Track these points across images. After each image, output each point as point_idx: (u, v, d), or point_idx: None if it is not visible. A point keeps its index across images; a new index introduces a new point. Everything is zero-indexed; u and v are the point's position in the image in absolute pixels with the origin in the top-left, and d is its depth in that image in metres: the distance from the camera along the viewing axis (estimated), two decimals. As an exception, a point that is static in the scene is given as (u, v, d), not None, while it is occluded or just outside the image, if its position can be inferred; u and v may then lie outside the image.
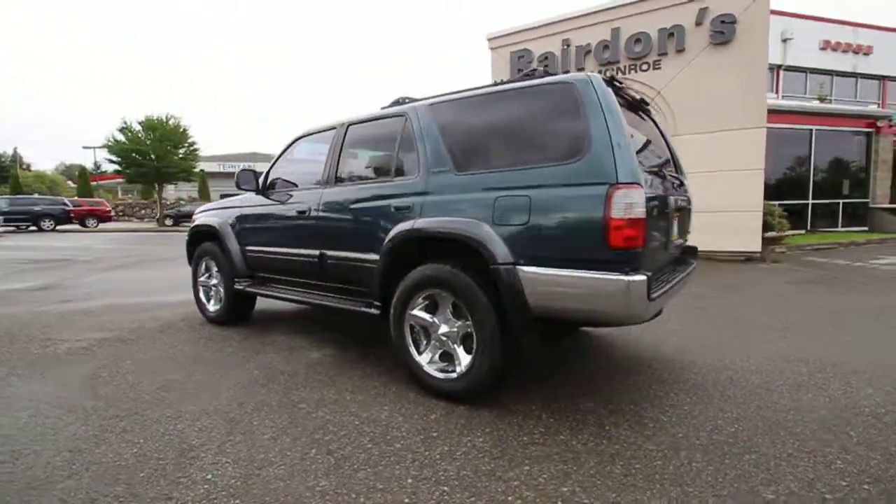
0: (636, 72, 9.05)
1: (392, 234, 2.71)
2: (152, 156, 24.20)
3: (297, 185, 3.67)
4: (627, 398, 2.60)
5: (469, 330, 2.47)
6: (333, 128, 3.42)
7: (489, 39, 10.65)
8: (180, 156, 25.68)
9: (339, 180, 3.23)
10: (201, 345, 3.69)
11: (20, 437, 2.23)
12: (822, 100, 15.65)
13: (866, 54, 16.41)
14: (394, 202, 2.77)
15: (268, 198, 3.77)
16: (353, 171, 3.27)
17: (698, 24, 8.30)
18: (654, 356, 3.31)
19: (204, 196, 35.31)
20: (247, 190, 3.78)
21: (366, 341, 3.72)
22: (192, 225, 4.48)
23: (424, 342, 2.73)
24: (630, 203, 1.99)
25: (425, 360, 2.68)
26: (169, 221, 26.20)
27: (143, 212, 35.30)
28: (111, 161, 25.01)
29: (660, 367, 3.10)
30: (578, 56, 9.56)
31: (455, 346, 2.57)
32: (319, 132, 3.65)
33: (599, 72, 9.73)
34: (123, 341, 3.80)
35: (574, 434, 2.20)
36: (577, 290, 2.10)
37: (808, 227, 12.63)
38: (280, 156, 3.79)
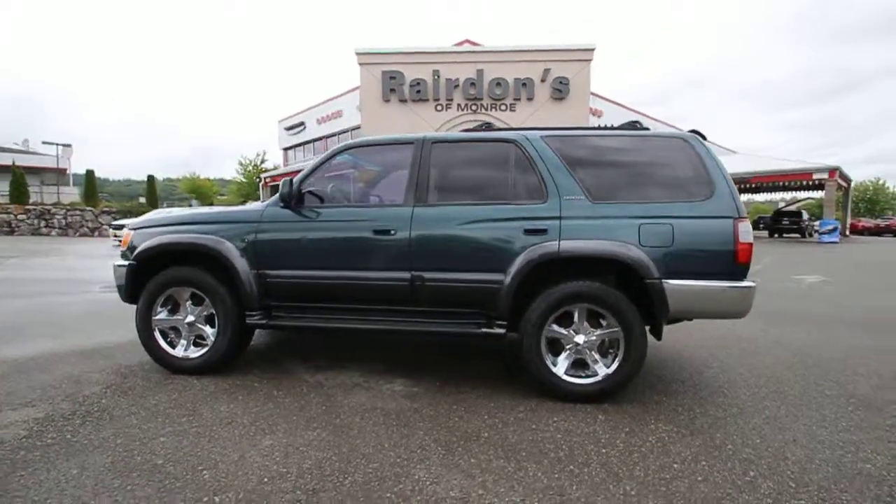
0: (496, 110, 10.59)
1: (529, 254, 2.85)
2: None
3: (349, 202, 3.28)
4: (690, 381, 3.42)
5: (612, 337, 2.87)
6: (408, 142, 3.23)
7: (358, 54, 10.63)
8: None
9: (429, 199, 3.09)
10: (229, 401, 2.87)
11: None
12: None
13: (599, 117, 22.92)
14: (525, 224, 2.91)
15: (300, 213, 3.21)
16: (449, 190, 3.15)
17: (543, 80, 10.38)
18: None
19: None
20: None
21: (410, 365, 3.56)
22: (143, 245, 3.29)
23: (550, 354, 2.96)
24: (747, 231, 2.80)
25: (561, 370, 2.92)
26: None
27: None
28: None
29: (697, 354, 4.06)
30: (448, 88, 10.54)
31: (593, 352, 2.91)
32: (380, 145, 3.36)
33: (465, 105, 10.95)
34: (85, 416, 2.62)
35: (705, 407, 2.86)
36: (713, 295, 2.79)
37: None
38: (318, 167, 3.28)
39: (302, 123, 29.39)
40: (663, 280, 2.77)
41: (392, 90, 10.87)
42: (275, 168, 32.58)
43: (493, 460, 2.21)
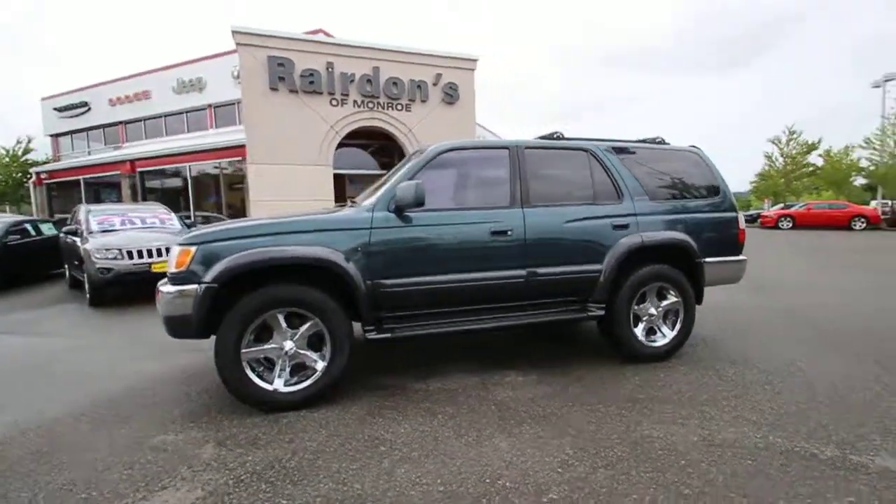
0: (393, 109, 10.67)
1: (621, 245, 3.45)
2: None
3: (458, 205, 3.33)
4: (710, 338, 4.51)
5: (673, 307, 3.69)
6: (503, 147, 3.44)
7: (236, 32, 9.32)
8: None
9: (531, 200, 3.37)
10: (394, 424, 2.70)
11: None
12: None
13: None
14: (613, 220, 3.49)
15: (407, 218, 3.11)
16: (545, 192, 3.43)
17: (435, 84, 10.91)
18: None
19: None
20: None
21: (495, 360, 3.80)
22: (226, 263, 2.67)
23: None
24: (742, 220, 3.96)
25: (642, 338, 3.62)
26: None
27: None
28: None
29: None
30: (343, 82, 10.13)
31: (659, 321, 3.70)
32: (476, 148, 3.47)
33: (362, 101, 10.64)
34: (261, 479, 2.19)
35: (736, 351, 3.92)
36: (726, 267, 3.86)
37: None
38: (419, 170, 3.20)
39: (85, 104, 22.99)
40: (702, 259, 3.72)
41: (281, 78, 9.67)
42: (46, 160, 24.49)
43: (675, 411, 2.75)
